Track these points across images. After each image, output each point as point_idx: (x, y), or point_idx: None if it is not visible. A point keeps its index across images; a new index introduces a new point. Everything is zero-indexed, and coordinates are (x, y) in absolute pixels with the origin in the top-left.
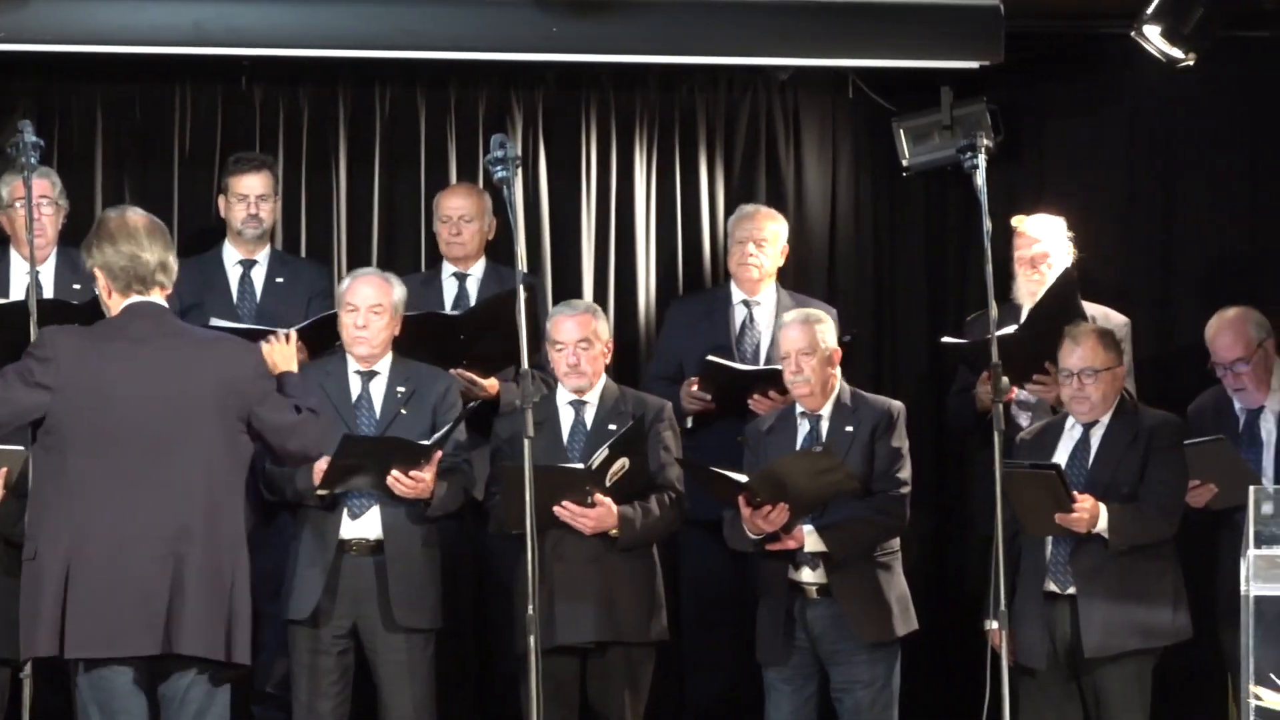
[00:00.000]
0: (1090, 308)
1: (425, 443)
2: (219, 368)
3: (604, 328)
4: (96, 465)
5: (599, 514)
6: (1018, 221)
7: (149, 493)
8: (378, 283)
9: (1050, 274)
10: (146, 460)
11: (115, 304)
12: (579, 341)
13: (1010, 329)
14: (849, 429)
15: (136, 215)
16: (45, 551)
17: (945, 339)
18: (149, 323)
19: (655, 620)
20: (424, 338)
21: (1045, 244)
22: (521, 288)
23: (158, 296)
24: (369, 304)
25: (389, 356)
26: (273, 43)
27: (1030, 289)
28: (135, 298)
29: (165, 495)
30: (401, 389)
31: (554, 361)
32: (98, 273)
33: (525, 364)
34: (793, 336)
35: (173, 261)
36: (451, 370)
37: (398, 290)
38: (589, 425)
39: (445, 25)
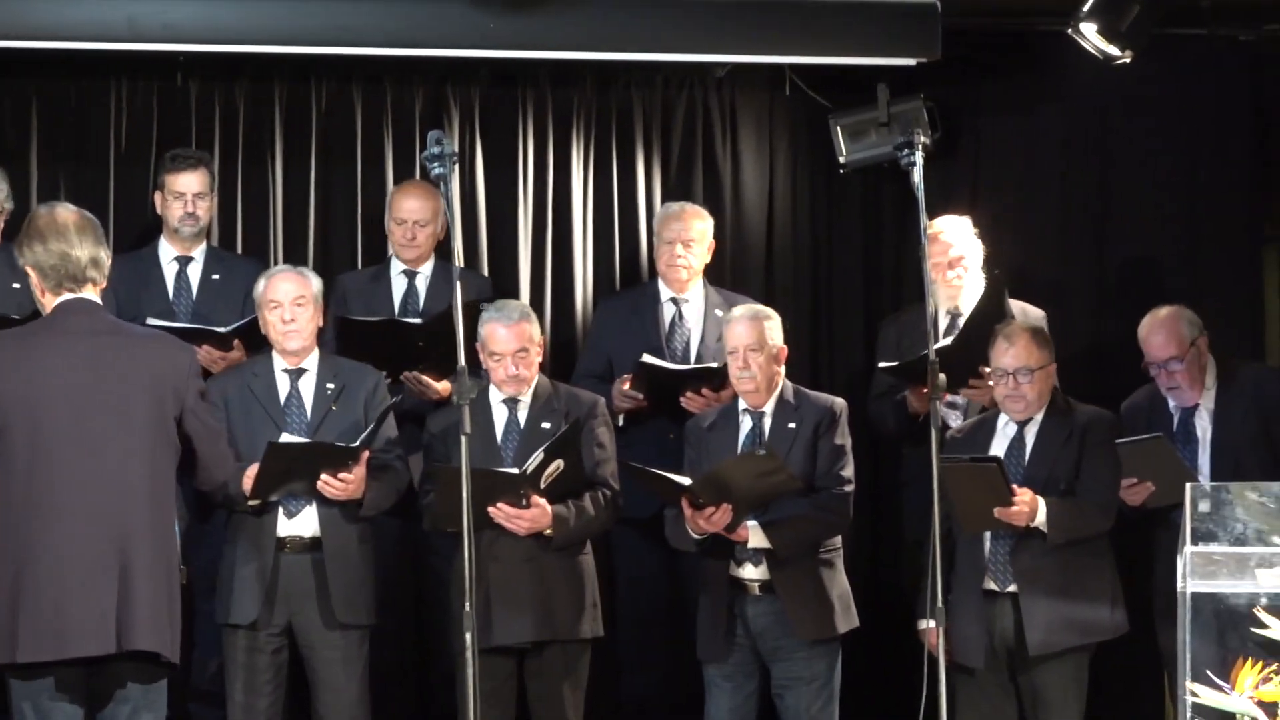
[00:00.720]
0: (1010, 304)
1: (352, 445)
2: (153, 364)
3: (538, 330)
4: (36, 466)
5: (533, 515)
6: (931, 225)
7: (90, 493)
8: (295, 277)
9: (968, 276)
10: (85, 458)
11: (48, 302)
12: (517, 352)
13: (946, 341)
14: (791, 426)
15: (66, 211)
16: None
17: (882, 364)
18: (81, 320)
19: (590, 618)
20: (381, 342)
21: (960, 247)
22: (467, 294)
23: (90, 293)
24: (292, 298)
25: (316, 353)
26: (208, 39)
27: (949, 292)
28: (68, 295)
29: (106, 494)
30: (331, 385)
31: (489, 368)
32: (30, 271)
33: (462, 360)
34: (740, 332)
35: (105, 257)
36: (406, 374)
37: (315, 282)
38: (522, 423)
39: (381, 21)
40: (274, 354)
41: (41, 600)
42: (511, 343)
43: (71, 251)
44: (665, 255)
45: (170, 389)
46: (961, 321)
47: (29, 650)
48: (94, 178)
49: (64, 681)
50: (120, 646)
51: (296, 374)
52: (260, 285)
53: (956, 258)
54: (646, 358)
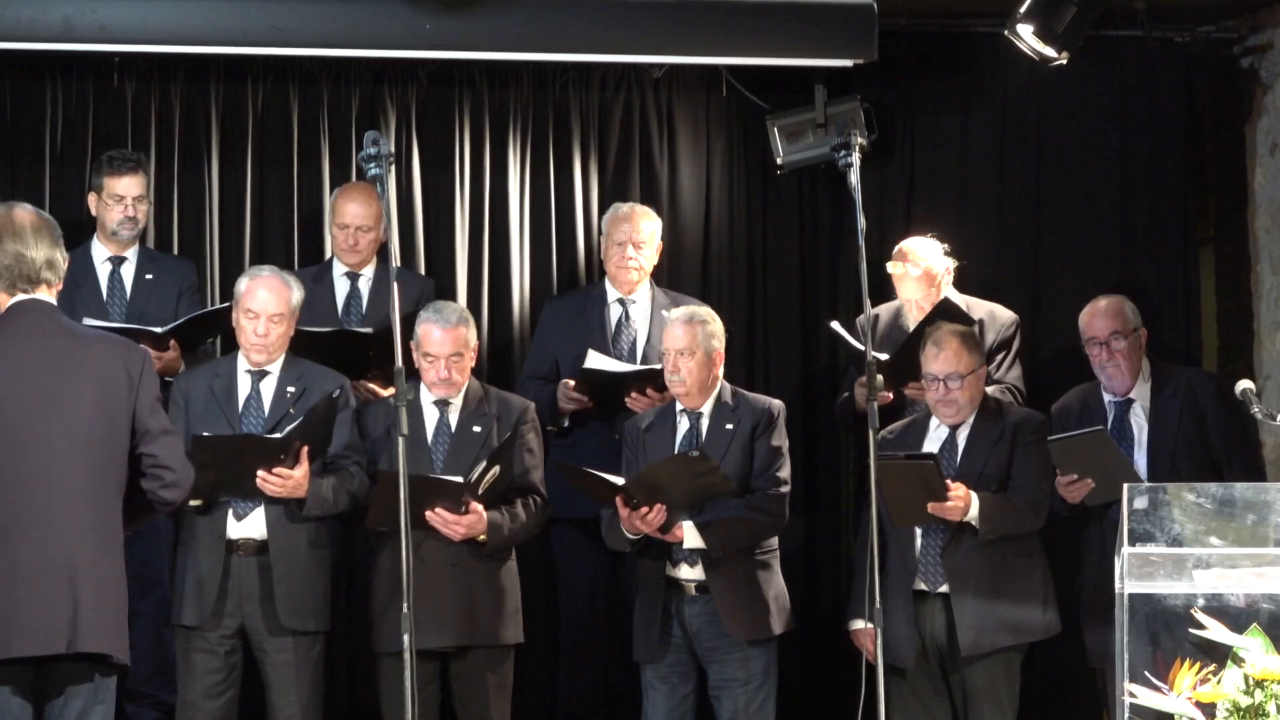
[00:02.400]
0: (978, 305)
1: (275, 435)
2: (104, 367)
3: (473, 334)
4: None
5: (470, 521)
6: (898, 249)
7: (38, 495)
8: (278, 288)
9: (942, 292)
10: (31, 461)
11: (2, 302)
12: (451, 355)
13: (884, 356)
14: (729, 427)
15: (23, 212)
16: None
17: (834, 324)
18: (33, 320)
19: (512, 623)
20: (333, 351)
21: (926, 265)
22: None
23: (45, 294)
24: (270, 313)
25: (282, 356)
26: (143, 39)
27: (918, 305)
28: (21, 296)
29: (53, 497)
30: (292, 388)
31: (423, 369)
32: None
33: (399, 362)
34: (674, 335)
35: (60, 258)
36: (356, 382)
37: (296, 294)
38: (453, 426)
39: (317, 22)
40: (239, 355)
41: None
42: (446, 346)
43: (26, 252)
44: (615, 257)
45: (122, 392)
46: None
47: None
48: (30, 177)
49: (12, 679)
50: (69, 648)
51: (259, 375)
52: (241, 284)
53: (927, 276)
54: (589, 363)
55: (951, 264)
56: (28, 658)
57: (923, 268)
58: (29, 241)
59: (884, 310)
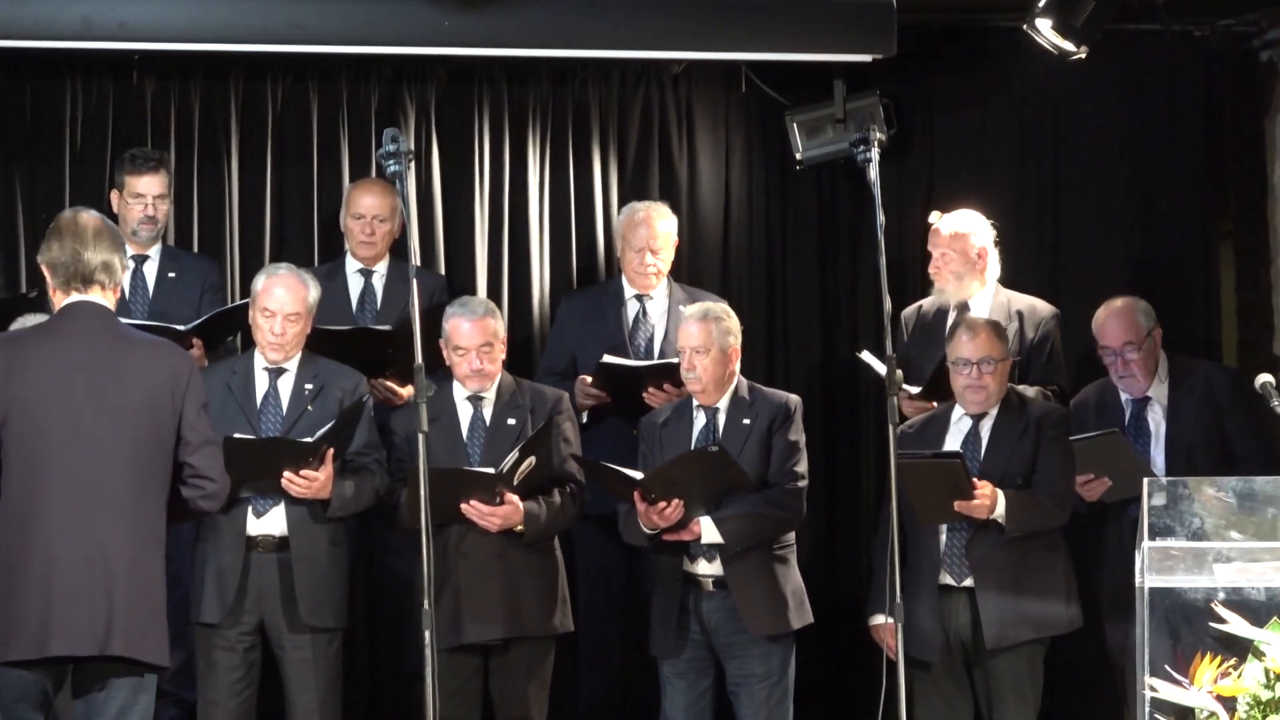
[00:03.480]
0: (1018, 299)
1: (308, 440)
2: (151, 372)
3: (501, 326)
4: (29, 469)
5: (506, 512)
6: (939, 220)
7: (78, 498)
8: (295, 286)
9: (986, 274)
10: (77, 459)
11: (58, 301)
12: (481, 346)
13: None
14: (746, 422)
15: (88, 216)
16: None
17: (864, 354)
18: (83, 323)
19: (559, 613)
20: (351, 350)
21: (976, 239)
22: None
23: (98, 295)
24: (286, 311)
25: (299, 354)
26: (163, 37)
27: (953, 288)
28: (75, 296)
29: (93, 499)
30: (309, 386)
31: (453, 364)
32: (44, 269)
33: (420, 359)
34: (688, 333)
35: (119, 263)
36: (373, 381)
37: (313, 293)
38: (488, 420)
39: (337, 19)
40: (256, 352)
41: (28, 601)
42: (476, 337)
43: (84, 252)
44: (634, 262)
45: (168, 397)
46: (964, 316)
47: (11, 649)
48: (49, 177)
49: (48, 676)
50: (101, 650)
51: (276, 373)
52: (258, 283)
53: (982, 249)
54: (606, 358)
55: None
56: (63, 656)
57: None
58: (88, 243)
59: (926, 304)
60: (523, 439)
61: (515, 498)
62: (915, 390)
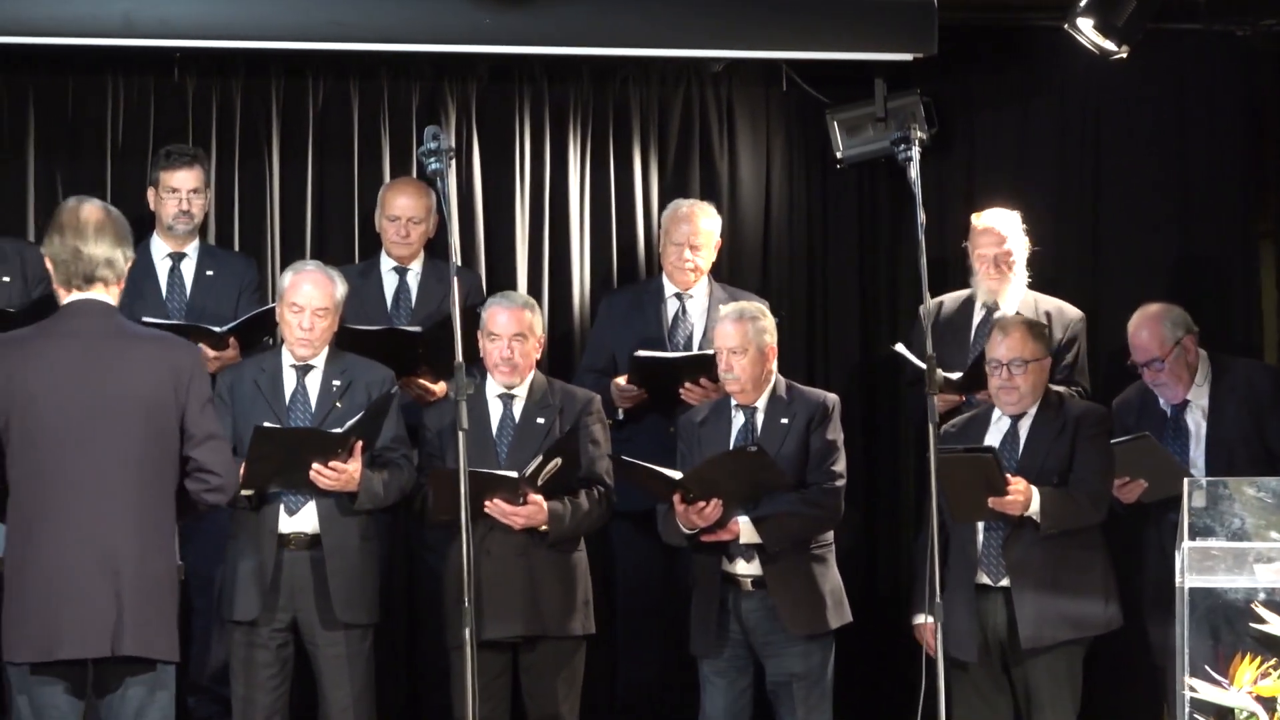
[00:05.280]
0: (1045, 301)
1: (337, 431)
2: (153, 368)
3: (539, 322)
4: (32, 470)
5: (529, 512)
6: (978, 219)
7: (82, 497)
8: (322, 282)
9: (1013, 271)
10: (79, 458)
11: (61, 297)
12: (514, 335)
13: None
14: (784, 421)
15: (90, 208)
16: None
17: (899, 346)
18: (85, 320)
19: (581, 615)
20: (381, 348)
21: (1009, 242)
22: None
23: (100, 292)
24: (314, 307)
25: (326, 350)
26: (204, 34)
27: (990, 286)
28: (77, 294)
29: (97, 498)
30: (337, 382)
31: (487, 352)
32: (48, 264)
33: (460, 356)
34: (724, 333)
35: (122, 257)
36: (406, 378)
37: (340, 289)
38: (517, 419)
39: (378, 17)
40: (283, 349)
41: (34, 602)
42: (510, 325)
43: (84, 249)
44: (673, 256)
45: (170, 393)
46: (997, 316)
47: (18, 651)
48: (90, 173)
49: (61, 677)
50: (113, 651)
51: (304, 370)
52: (285, 279)
53: (1004, 254)
54: (640, 352)
55: (1026, 244)
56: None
57: (995, 239)
58: (89, 238)
59: (948, 299)
60: (550, 439)
61: (539, 497)
62: (954, 376)
